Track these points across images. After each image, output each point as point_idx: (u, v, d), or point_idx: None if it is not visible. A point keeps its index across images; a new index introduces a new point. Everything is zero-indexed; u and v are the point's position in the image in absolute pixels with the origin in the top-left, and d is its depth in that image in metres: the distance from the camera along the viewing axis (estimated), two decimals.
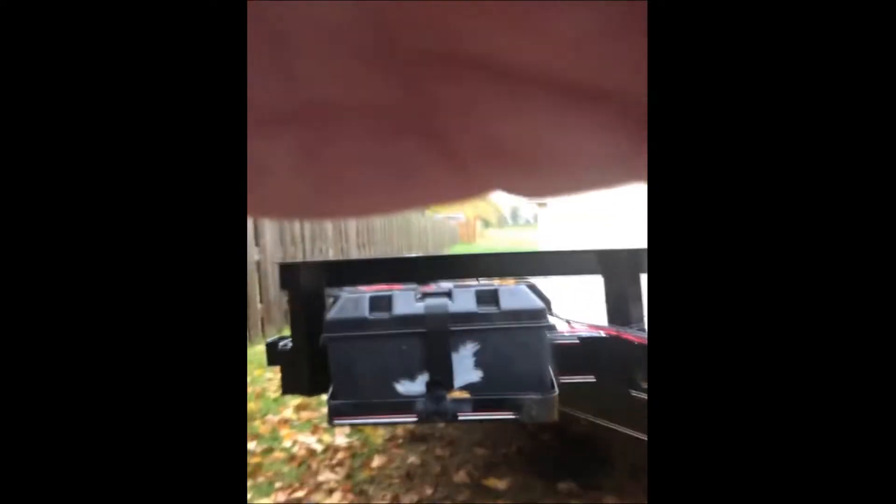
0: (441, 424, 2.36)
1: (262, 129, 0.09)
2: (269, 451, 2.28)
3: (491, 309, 1.19)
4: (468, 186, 0.09)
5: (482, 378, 1.21)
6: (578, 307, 1.52)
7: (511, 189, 0.09)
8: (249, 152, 0.09)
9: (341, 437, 2.35)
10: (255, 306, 3.91)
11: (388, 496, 1.85)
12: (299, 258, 4.45)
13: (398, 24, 0.07)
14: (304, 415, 2.60)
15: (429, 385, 1.21)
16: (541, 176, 0.09)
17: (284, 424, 2.52)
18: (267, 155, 0.09)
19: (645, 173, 0.08)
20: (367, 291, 1.24)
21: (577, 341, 1.29)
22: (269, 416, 2.61)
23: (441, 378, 1.21)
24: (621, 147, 0.08)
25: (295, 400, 2.67)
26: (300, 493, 1.89)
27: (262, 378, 3.12)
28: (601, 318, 1.39)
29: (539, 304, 1.20)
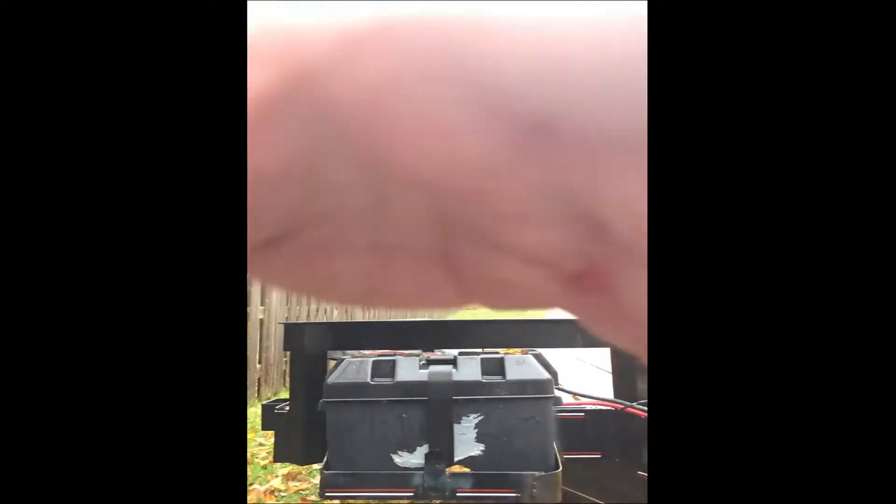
0: (437, 502, 2.26)
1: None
2: None
3: (496, 379, 1.16)
4: (462, 301, 0.14)
5: (483, 452, 1.17)
6: (585, 379, 1.48)
7: (485, 304, 0.14)
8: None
9: None
10: (254, 366, 3.83)
11: None
12: (303, 318, 4.38)
13: (452, 197, 0.11)
14: (294, 486, 2.49)
15: (428, 457, 1.17)
16: (504, 298, 0.13)
17: (271, 496, 2.41)
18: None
19: (572, 306, 0.13)
20: (370, 356, 1.21)
21: (582, 415, 1.26)
22: (256, 486, 2.50)
23: (441, 450, 1.17)
24: (559, 290, 0.12)
25: (284, 468, 2.57)
26: None
27: (252, 443, 3.01)
28: (608, 391, 1.36)
29: (545, 374, 1.17)
